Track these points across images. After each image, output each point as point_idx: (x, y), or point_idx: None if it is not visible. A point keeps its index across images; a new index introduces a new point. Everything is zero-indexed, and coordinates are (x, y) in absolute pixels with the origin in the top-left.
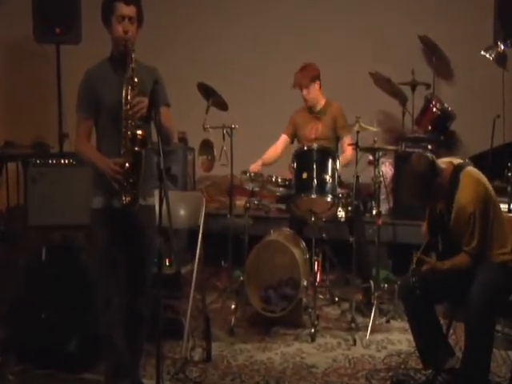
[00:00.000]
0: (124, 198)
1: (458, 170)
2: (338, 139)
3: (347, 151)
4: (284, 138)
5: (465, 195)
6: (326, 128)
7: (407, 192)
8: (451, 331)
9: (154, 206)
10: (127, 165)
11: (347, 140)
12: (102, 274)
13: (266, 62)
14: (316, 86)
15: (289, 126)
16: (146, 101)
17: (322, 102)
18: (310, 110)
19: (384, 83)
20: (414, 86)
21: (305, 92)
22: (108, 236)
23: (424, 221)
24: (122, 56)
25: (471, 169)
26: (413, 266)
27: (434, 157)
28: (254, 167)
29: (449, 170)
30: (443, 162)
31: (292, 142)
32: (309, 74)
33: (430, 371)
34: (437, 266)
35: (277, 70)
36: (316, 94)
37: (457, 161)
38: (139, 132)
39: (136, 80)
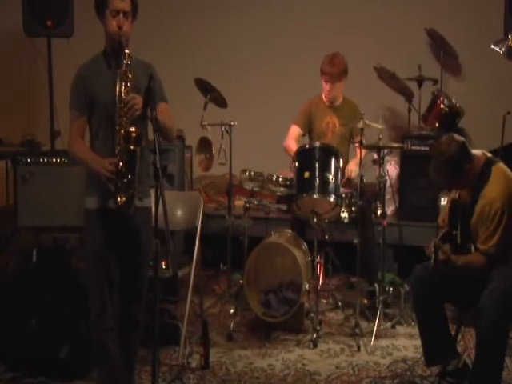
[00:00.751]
0: (119, 199)
1: (490, 162)
2: (350, 140)
3: (358, 154)
4: (296, 131)
5: (494, 189)
6: (343, 126)
7: (434, 173)
8: (459, 337)
9: (151, 207)
10: (121, 164)
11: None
12: (95, 278)
13: (267, 57)
14: (342, 84)
15: (301, 117)
16: (139, 98)
17: (340, 99)
18: (329, 103)
19: (389, 78)
20: (420, 81)
21: (327, 87)
22: (102, 238)
23: (432, 221)
24: (116, 51)
25: (503, 165)
26: (436, 241)
27: (466, 142)
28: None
29: (481, 160)
30: (475, 151)
31: (304, 135)
32: (338, 70)
33: (435, 377)
34: (451, 258)
35: (278, 65)
36: (339, 92)
37: (488, 154)
38: (133, 129)
39: (130, 76)
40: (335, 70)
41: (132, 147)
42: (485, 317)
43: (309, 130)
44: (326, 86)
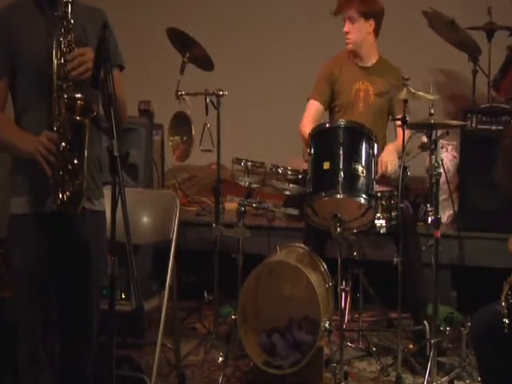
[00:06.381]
0: (61, 195)
1: None
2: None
3: (399, 136)
4: (315, 108)
5: None
6: (379, 96)
7: (502, 174)
8: None
9: (105, 212)
10: (63, 144)
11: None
12: (25, 312)
13: (265, 3)
14: (366, 24)
15: (320, 86)
16: (90, 53)
17: (373, 58)
18: (358, 61)
19: (445, 28)
20: (490, 31)
21: (347, 27)
22: (36, 255)
23: (506, 232)
24: None
25: None
26: (503, 299)
27: None
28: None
29: None
30: None
31: (326, 109)
32: (359, 1)
33: None
34: None
35: (284, 10)
36: (362, 37)
37: None
38: (79, 96)
39: (72, 22)
40: None
41: (78, 118)
42: None
43: (331, 101)
44: (345, 27)
